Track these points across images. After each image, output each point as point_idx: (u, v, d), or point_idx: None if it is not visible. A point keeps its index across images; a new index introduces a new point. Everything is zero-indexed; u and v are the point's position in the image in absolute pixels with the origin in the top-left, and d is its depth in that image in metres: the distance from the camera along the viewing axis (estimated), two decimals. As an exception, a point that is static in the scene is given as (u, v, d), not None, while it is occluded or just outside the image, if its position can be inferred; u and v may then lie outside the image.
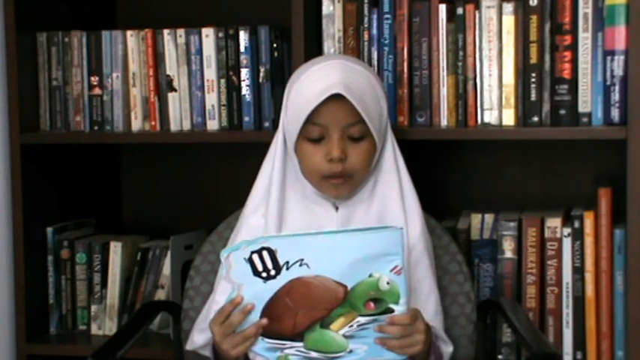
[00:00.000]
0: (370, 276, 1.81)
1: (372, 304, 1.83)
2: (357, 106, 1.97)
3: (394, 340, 1.85)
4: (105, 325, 2.71)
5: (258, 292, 1.82)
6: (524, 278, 2.44)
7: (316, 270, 1.81)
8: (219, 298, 2.02)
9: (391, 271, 1.81)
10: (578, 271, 2.40)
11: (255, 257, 1.80)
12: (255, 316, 1.83)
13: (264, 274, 1.81)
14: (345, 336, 1.84)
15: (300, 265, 1.80)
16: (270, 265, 1.80)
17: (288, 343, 1.84)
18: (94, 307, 2.72)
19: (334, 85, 1.97)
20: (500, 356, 2.49)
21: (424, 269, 2.06)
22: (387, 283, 1.82)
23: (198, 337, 2.08)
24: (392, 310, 1.83)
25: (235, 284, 1.83)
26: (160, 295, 2.69)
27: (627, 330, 2.33)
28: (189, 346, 2.14)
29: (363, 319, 1.84)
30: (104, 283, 2.71)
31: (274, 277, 1.81)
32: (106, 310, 2.71)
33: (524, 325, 2.17)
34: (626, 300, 2.35)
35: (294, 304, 1.82)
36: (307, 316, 1.83)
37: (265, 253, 1.80)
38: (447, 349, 2.07)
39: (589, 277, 2.40)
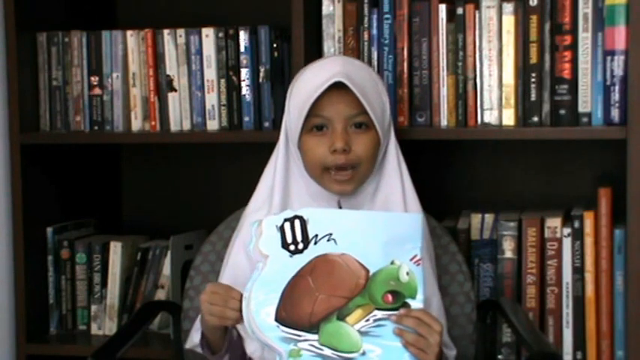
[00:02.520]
0: (392, 263, 1.85)
1: (390, 297, 1.85)
2: (359, 96, 1.98)
3: (411, 335, 1.85)
4: (105, 325, 2.71)
5: (283, 267, 1.84)
6: (524, 278, 2.44)
7: (343, 247, 1.84)
8: None
9: (411, 260, 1.85)
10: (578, 271, 2.40)
11: (287, 226, 1.84)
12: (276, 295, 1.83)
13: (292, 247, 1.84)
14: (360, 332, 1.84)
15: (328, 240, 1.84)
16: (299, 236, 1.84)
17: (304, 335, 1.84)
18: (94, 307, 2.72)
19: (336, 75, 1.99)
20: (500, 356, 2.49)
21: (426, 273, 2.05)
22: (407, 273, 1.85)
23: (197, 336, 2.07)
24: (408, 305, 1.86)
25: (262, 256, 1.84)
26: (160, 295, 2.69)
27: (627, 330, 2.33)
28: (188, 345, 2.14)
29: (379, 314, 1.85)
30: (104, 283, 2.71)
31: (301, 251, 1.84)
32: (106, 310, 2.71)
33: (524, 325, 2.17)
34: (626, 300, 2.35)
35: (316, 285, 1.83)
36: (326, 304, 1.84)
37: (297, 222, 1.84)
38: (451, 352, 2.07)
39: (589, 277, 2.40)
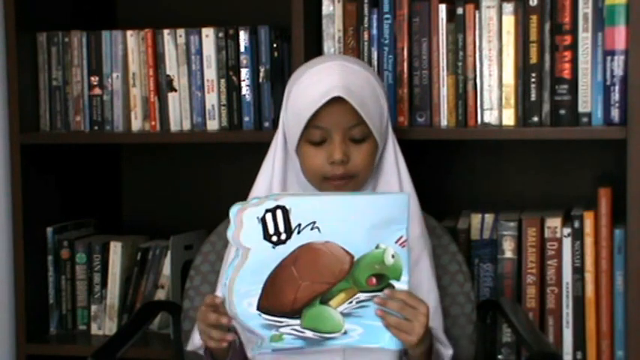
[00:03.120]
0: (377, 247, 1.82)
1: (374, 280, 1.83)
2: (358, 109, 1.97)
3: (393, 317, 1.84)
4: (105, 325, 2.71)
5: (265, 259, 1.80)
6: (524, 278, 2.44)
7: (327, 235, 1.80)
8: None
9: (396, 242, 1.82)
10: (578, 271, 2.40)
11: (269, 217, 1.78)
12: (258, 286, 1.81)
13: (274, 238, 1.79)
14: (342, 313, 1.83)
15: (312, 228, 1.79)
16: (282, 226, 1.79)
17: (285, 321, 1.83)
18: (94, 307, 2.72)
19: (334, 88, 1.97)
20: (500, 356, 2.49)
21: (423, 270, 2.06)
22: (392, 256, 1.82)
23: (198, 338, 2.07)
24: (392, 287, 1.84)
25: (243, 248, 1.80)
26: (160, 295, 2.69)
27: (627, 330, 2.33)
28: (189, 347, 2.14)
29: (363, 296, 1.83)
30: (104, 283, 2.72)
31: (284, 241, 1.79)
32: (106, 310, 2.71)
33: (524, 325, 2.17)
34: (626, 300, 2.35)
35: (299, 274, 1.81)
36: (309, 290, 1.82)
37: (279, 213, 1.78)
38: (447, 351, 2.06)
39: (589, 277, 2.40)
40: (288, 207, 1.79)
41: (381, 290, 1.84)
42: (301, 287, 1.82)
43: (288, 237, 1.80)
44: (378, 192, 1.99)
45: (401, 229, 1.83)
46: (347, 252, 1.82)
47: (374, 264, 1.83)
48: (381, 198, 1.85)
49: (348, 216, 1.81)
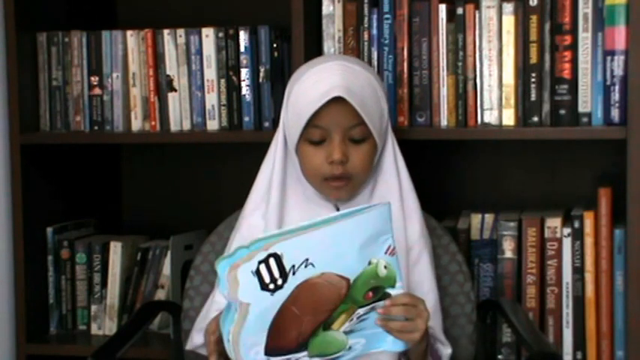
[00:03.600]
0: (369, 263, 1.82)
1: (370, 294, 1.83)
2: (359, 109, 1.97)
3: (396, 322, 1.84)
4: (105, 325, 2.71)
5: (266, 308, 1.78)
6: (524, 278, 2.44)
7: (321, 267, 1.79)
8: (219, 298, 2.02)
9: (386, 253, 1.82)
10: (578, 271, 2.41)
11: (262, 267, 1.76)
12: (263, 334, 1.79)
13: (271, 286, 1.77)
14: (345, 332, 1.84)
15: (306, 266, 1.78)
16: (276, 273, 1.77)
17: (293, 356, 1.83)
18: (94, 307, 2.72)
19: (335, 88, 1.97)
20: (500, 356, 2.49)
21: (423, 269, 2.06)
22: (385, 267, 1.82)
23: (198, 337, 2.08)
24: (389, 295, 1.84)
25: (242, 305, 1.77)
26: (160, 295, 2.69)
27: (627, 330, 2.33)
28: (189, 346, 2.14)
29: (361, 310, 1.83)
30: (104, 283, 2.71)
31: (281, 286, 1.78)
32: (106, 310, 2.71)
33: (524, 325, 2.17)
34: (626, 300, 2.35)
35: (300, 311, 1.80)
36: (312, 322, 1.82)
37: (272, 260, 1.77)
38: (446, 350, 2.07)
39: (589, 277, 2.40)
40: (279, 253, 1.77)
41: (378, 300, 1.84)
42: (304, 322, 1.81)
43: (285, 281, 1.78)
44: (359, 209, 1.86)
45: (388, 239, 1.83)
46: (342, 277, 1.81)
47: (369, 280, 1.82)
48: (364, 217, 1.82)
49: (337, 244, 1.80)
